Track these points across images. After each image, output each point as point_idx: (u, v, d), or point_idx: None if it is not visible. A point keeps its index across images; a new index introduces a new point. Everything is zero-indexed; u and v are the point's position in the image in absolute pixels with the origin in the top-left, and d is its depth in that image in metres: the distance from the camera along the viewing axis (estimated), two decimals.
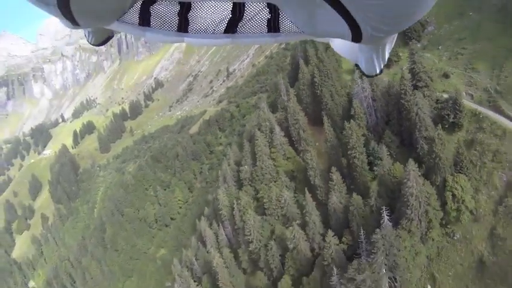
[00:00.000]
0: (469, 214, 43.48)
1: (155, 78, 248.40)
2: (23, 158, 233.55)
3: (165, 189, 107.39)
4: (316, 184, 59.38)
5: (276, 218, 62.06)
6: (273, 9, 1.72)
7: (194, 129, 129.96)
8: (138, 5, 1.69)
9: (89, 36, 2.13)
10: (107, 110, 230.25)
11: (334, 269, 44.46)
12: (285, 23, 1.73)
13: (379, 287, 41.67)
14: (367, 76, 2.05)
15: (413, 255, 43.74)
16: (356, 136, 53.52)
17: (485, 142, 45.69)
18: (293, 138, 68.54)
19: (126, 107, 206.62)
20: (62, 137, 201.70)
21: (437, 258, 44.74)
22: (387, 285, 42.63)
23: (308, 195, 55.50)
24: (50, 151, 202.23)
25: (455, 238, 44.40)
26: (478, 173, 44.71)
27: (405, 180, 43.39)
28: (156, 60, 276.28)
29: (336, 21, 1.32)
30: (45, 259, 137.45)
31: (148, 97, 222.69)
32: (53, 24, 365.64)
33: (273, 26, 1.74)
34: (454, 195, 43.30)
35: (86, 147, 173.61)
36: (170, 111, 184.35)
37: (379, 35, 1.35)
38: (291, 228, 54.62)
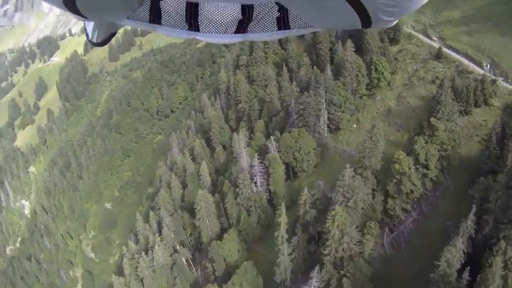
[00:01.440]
0: (386, 84, 66.15)
1: None
2: (27, 66, 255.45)
3: (169, 87, 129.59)
4: (293, 68, 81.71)
5: (260, 87, 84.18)
6: (282, 8, 1.86)
7: (201, 44, 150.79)
8: (148, 2, 1.83)
9: (91, 33, 2.25)
10: None
11: (293, 102, 67.01)
12: (295, 19, 1.87)
13: (320, 111, 64.11)
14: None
15: (344, 100, 65.90)
16: (323, 36, 75.70)
17: (409, 49, 69.67)
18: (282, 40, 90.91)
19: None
20: (71, 48, 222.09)
21: (362, 109, 67.70)
22: (326, 113, 65.01)
23: (285, 69, 78.11)
24: (58, 58, 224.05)
25: (376, 99, 67.26)
26: (398, 62, 67.82)
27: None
28: None
29: (345, 12, 1.43)
30: (47, 147, 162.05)
31: None
32: None
33: (283, 23, 1.88)
34: (377, 69, 65.37)
35: (95, 56, 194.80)
36: None
37: (389, 19, 1.49)
38: (269, 86, 76.99)
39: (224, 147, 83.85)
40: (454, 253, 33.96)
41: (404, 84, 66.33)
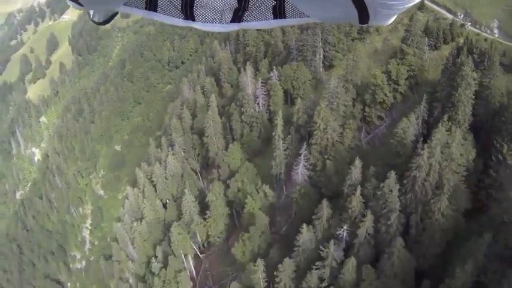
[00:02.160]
0: (375, 30, 77.90)
1: None
2: (37, 24, 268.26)
3: (180, 40, 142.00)
4: None
5: (266, 33, 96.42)
6: None
7: None
8: None
9: (93, 14, 2.38)
10: None
11: (294, 41, 79.57)
12: (291, 8, 1.93)
13: (316, 48, 76.55)
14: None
15: (337, 40, 78.13)
16: None
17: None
18: None
19: None
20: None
21: (353, 50, 79.52)
22: (321, 51, 77.51)
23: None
24: (69, 16, 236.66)
25: (365, 42, 79.35)
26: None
27: None
28: None
29: (343, 4, 1.46)
30: (59, 98, 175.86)
31: None
32: None
33: (279, 12, 1.95)
34: None
35: None
36: None
37: (387, 12, 1.49)
38: (274, 30, 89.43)
39: (232, 86, 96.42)
40: (408, 124, 46.53)
41: (390, 30, 78.34)
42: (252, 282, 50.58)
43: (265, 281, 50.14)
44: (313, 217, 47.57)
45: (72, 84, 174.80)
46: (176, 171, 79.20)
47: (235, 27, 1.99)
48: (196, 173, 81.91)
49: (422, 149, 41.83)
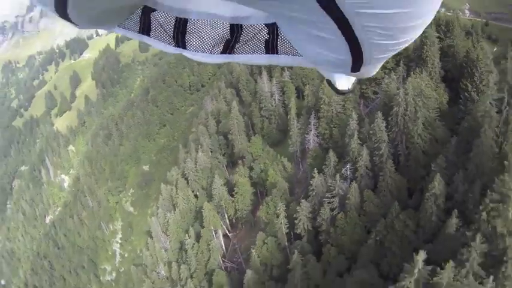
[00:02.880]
0: None
1: None
2: (58, 64, 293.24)
3: (199, 65, 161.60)
4: None
5: None
6: (272, 30, 1.95)
7: None
8: (139, 12, 1.94)
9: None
10: None
11: None
12: (284, 44, 1.95)
13: None
14: (338, 93, 2.21)
15: None
16: None
17: None
18: None
19: None
20: (100, 45, 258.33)
21: None
22: None
23: None
24: (89, 55, 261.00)
25: None
26: None
27: None
28: None
29: (338, 47, 1.44)
30: (86, 127, 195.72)
31: None
32: None
33: (271, 47, 1.98)
34: None
35: (127, 48, 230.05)
36: None
37: (380, 57, 1.50)
38: None
39: (250, 94, 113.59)
40: (390, 80, 62.90)
41: None
42: (275, 228, 65.74)
43: (287, 227, 65.16)
44: (322, 167, 63.25)
45: (99, 114, 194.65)
46: (206, 165, 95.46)
47: (225, 59, 2.06)
48: (223, 166, 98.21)
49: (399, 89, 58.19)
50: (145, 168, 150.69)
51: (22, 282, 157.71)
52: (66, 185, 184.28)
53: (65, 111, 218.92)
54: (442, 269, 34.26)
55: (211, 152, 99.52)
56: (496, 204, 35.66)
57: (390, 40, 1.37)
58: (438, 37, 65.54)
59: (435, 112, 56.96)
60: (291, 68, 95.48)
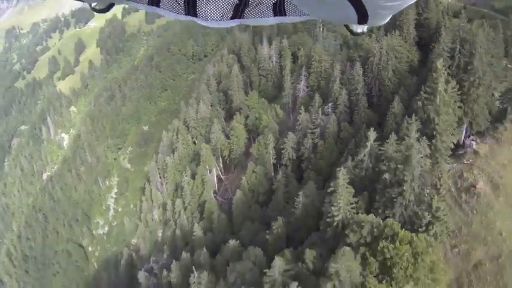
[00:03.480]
0: None
1: None
2: (62, 32, 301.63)
3: (203, 37, 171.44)
4: None
5: None
6: None
7: None
8: None
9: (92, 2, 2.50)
10: None
11: None
12: (291, 6, 2.07)
13: (317, 23, 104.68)
14: (353, 34, 2.27)
15: None
16: None
17: None
18: None
19: None
20: (107, 15, 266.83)
21: None
22: (321, 25, 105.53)
23: None
24: (95, 24, 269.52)
25: None
26: None
27: None
28: None
29: (343, 7, 1.53)
30: (89, 89, 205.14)
31: None
32: None
33: (279, 9, 2.09)
34: None
35: (133, 19, 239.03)
36: None
37: (385, 13, 1.61)
38: None
39: (251, 60, 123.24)
40: (370, 40, 74.02)
41: None
42: (264, 160, 76.13)
43: (274, 159, 75.41)
44: (309, 107, 73.61)
45: (102, 77, 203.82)
46: (205, 115, 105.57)
47: (235, 23, 2.17)
48: (220, 120, 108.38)
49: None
50: (145, 128, 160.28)
51: (15, 235, 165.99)
52: (65, 143, 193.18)
53: (68, 75, 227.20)
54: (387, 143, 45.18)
55: (211, 105, 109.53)
56: (428, 95, 46.63)
57: (391, 1, 1.46)
58: (417, 12, 75.93)
59: (406, 65, 67.41)
60: (289, 36, 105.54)
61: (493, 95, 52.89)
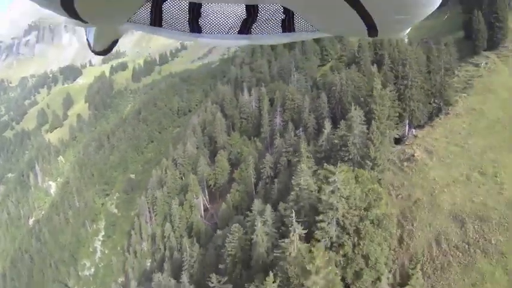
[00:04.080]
0: None
1: (181, 42, 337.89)
2: (50, 88, 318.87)
3: (188, 93, 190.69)
4: None
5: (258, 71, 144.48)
6: (288, 10, 1.99)
7: (215, 64, 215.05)
8: (149, 4, 1.93)
9: (93, 43, 2.53)
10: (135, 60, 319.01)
11: (276, 67, 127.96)
12: (300, 22, 2.02)
13: (291, 72, 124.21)
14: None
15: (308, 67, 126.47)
16: None
17: None
18: None
19: (157, 58, 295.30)
20: (94, 73, 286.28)
21: None
22: (295, 73, 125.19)
23: None
24: (83, 81, 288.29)
25: None
26: None
27: None
28: None
29: (352, 20, 1.56)
30: (77, 141, 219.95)
31: (174, 55, 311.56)
32: None
33: (288, 25, 2.03)
34: None
35: (120, 77, 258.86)
36: (192, 63, 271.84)
37: (397, 28, 1.66)
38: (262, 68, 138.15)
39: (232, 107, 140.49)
40: None
41: None
42: (246, 181, 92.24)
43: (255, 178, 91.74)
44: (283, 133, 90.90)
45: (90, 131, 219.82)
46: (192, 153, 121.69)
47: (243, 39, 2.11)
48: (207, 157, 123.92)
49: None
50: (132, 176, 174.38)
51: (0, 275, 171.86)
52: (52, 191, 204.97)
53: (56, 128, 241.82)
54: None
55: (197, 147, 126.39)
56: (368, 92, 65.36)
57: (403, 15, 1.50)
58: (374, 51, 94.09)
59: (364, 91, 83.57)
60: (267, 84, 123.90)
61: (427, 95, 70.15)
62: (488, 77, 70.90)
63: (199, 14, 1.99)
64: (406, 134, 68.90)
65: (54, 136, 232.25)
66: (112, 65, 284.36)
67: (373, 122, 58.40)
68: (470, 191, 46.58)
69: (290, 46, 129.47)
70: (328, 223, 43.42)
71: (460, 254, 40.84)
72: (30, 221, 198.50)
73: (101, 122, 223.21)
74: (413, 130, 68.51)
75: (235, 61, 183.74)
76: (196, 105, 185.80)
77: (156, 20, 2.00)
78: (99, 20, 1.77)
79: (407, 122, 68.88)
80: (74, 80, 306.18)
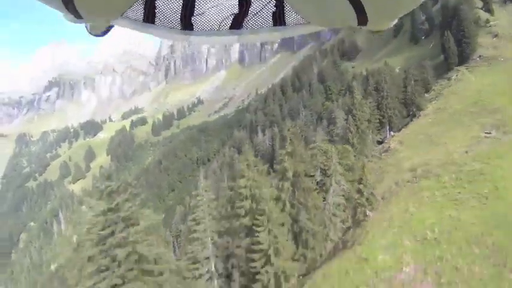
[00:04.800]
0: None
1: (197, 97, 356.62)
2: (71, 142, 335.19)
3: (206, 143, 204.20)
4: None
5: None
6: (279, 2, 1.96)
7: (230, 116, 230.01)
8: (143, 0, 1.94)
9: (89, 28, 2.39)
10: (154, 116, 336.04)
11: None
12: (291, 15, 2.00)
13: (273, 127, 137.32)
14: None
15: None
16: None
17: None
18: None
19: (175, 112, 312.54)
20: (114, 128, 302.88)
21: None
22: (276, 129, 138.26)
23: None
24: (104, 135, 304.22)
25: None
26: None
27: None
28: (199, 86, 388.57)
29: (344, 9, 1.57)
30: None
31: (191, 109, 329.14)
32: (109, 40, 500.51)
33: (278, 18, 2.01)
34: None
35: (140, 131, 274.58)
36: (209, 117, 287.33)
37: (386, 16, 1.65)
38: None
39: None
40: None
41: None
42: None
43: None
44: None
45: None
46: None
47: (233, 36, 2.05)
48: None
49: None
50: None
51: None
52: (75, 238, 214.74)
53: (79, 179, 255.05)
54: None
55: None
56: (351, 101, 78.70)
57: (391, 9, 1.53)
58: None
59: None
60: (279, 125, 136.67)
61: (403, 104, 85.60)
62: (455, 86, 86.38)
63: (192, 11, 1.99)
64: (387, 136, 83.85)
65: (77, 187, 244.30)
66: (132, 120, 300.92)
67: (352, 119, 75.35)
68: (425, 157, 59.94)
69: (298, 89, 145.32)
70: None
71: (409, 184, 53.16)
72: (52, 268, 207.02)
73: (123, 173, 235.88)
74: (392, 133, 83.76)
75: (250, 109, 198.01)
76: (215, 154, 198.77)
77: (149, 16, 2.26)
78: (95, 13, 1.84)
79: (387, 127, 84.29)
80: (95, 135, 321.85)
